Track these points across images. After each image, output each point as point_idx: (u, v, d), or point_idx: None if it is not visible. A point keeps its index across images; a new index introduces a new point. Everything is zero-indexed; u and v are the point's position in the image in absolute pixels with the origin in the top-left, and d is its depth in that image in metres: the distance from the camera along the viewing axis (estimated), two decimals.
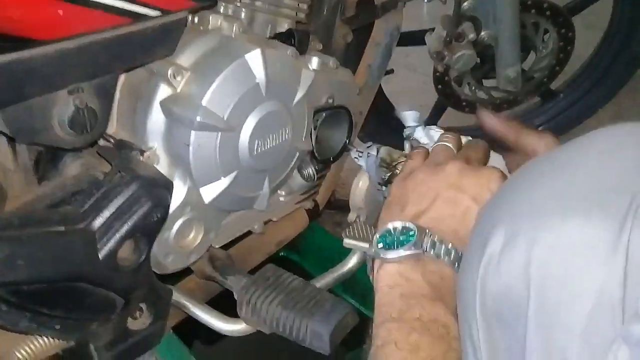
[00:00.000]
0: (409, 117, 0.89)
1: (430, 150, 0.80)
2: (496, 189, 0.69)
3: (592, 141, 0.55)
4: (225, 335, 0.97)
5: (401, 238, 0.67)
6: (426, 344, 0.60)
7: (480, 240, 0.54)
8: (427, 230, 0.67)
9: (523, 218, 0.52)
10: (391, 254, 0.66)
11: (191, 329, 1.12)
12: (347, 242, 0.91)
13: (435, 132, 0.88)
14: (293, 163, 0.97)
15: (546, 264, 0.49)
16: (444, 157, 0.76)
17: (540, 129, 1.34)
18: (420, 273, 0.65)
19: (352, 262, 1.02)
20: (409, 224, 0.68)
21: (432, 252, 0.65)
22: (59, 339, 0.76)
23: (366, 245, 0.83)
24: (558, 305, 0.47)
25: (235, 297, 0.90)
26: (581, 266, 0.47)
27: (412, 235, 0.66)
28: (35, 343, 0.76)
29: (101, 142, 0.81)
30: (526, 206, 0.53)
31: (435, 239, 0.66)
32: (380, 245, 0.67)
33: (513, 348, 0.51)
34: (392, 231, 0.68)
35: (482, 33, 1.36)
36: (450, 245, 0.66)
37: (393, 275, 0.66)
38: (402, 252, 0.65)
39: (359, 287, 1.28)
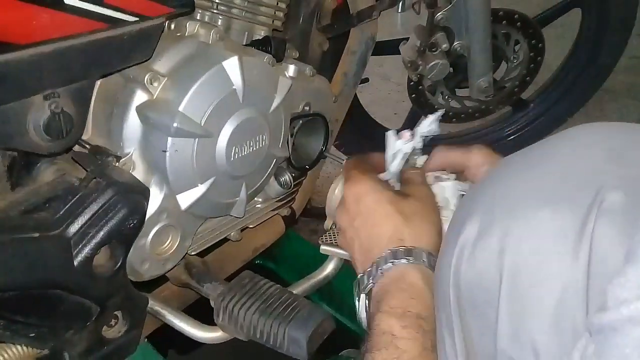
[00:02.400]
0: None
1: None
2: (354, 191, 0.77)
3: (565, 139, 0.58)
4: (200, 344, 0.96)
5: (355, 291, 0.74)
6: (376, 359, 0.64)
7: (455, 231, 0.57)
8: (360, 275, 0.74)
9: (497, 209, 0.55)
10: (359, 318, 0.73)
11: (166, 338, 1.11)
12: (324, 248, 0.91)
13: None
14: (270, 170, 0.97)
15: (518, 252, 0.52)
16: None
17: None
18: (372, 302, 0.70)
19: (329, 268, 1.02)
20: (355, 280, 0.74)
21: (365, 286, 0.71)
22: (33, 347, 0.75)
23: (343, 251, 0.84)
24: (528, 292, 0.51)
25: (212, 304, 0.90)
26: (550, 254, 0.50)
27: (355, 285, 0.74)
28: (9, 351, 0.74)
29: (76, 148, 0.80)
30: (500, 198, 0.56)
31: (361, 276, 0.73)
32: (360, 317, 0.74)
33: (485, 335, 0.53)
34: (356, 295, 0.75)
35: (455, 43, 1.39)
36: (372, 265, 0.72)
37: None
38: (359, 313, 0.73)
39: (335, 295, 1.28)
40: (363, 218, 0.75)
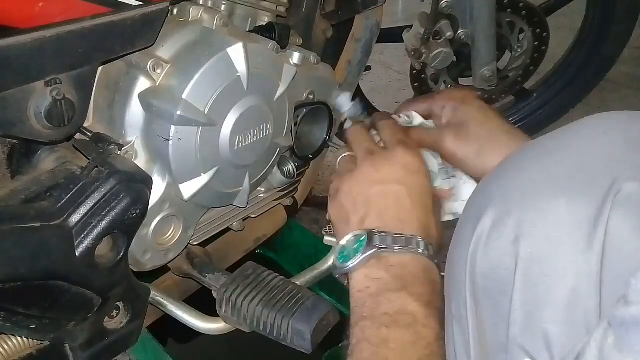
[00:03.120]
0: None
1: (337, 164, 0.86)
2: (410, 161, 0.76)
3: (581, 128, 0.58)
4: (199, 335, 0.96)
5: (355, 247, 0.72)
6: (395, 336, 0.64)
7: (472, 220, 0.57)
8: (374, 230, 0.72)
9: (513, 198, 0.55)
10: (350, 263, 0.71)
11: (166, 328, 1.10)
12: (328, 239, 0.91)
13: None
14: (273, 159, 0.95)
15: (532, 240, 0.52)
16: (349, 166, 0.81)
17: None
18: (384, 269, 0.69)
19: (332, 259, 1.01)
20: (357, 232, 0.73)
21: (385, 246, 0.70)
22: (33, 339, 0.74)
23: None
24: (542, 280, 0.50)
25: (214, 295, 0.88)
26: (564, 243, 0.50)
27: (363, 240, 0.71)
28: (9, 343, 0.73)
29: (77, 136, 0.78)
30: (516, 187, 0.56)
31: (384, 234, 0.71)
32: (340, 261, 0.72)
33: (499, 324, 0.54)
34: (345, 245, 0.73)
35: (459, 31, 1.37)
36: (397, 234, 0.71)
37: (361, 281, 0.71)
38: (358, 258, 0.70)
39: (336, 285, 1.27)
40: (407, 190, 0.74)
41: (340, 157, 0.85)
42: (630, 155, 0.52)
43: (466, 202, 0.65)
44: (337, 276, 0.75)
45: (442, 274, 0.72)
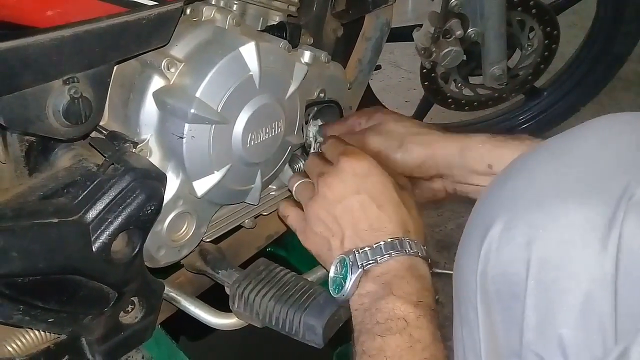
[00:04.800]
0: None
1: (294, 194, 0.89)
2: (357, 166, 0.77)
3: (591, 129, 0.57)
4: (212, 332, 0.96)
5: (343, 271, 0.74)
6: (389, 344, 0.65)
7: (482, 225, 0.56)
8: (353, 250, 0.73)
9: (523, 202, 0.54)
10: (344, 292, 0.73)
11: (179, 325, 1.11)
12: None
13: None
14: (285, 157, 0.96)
15: (545, 244, 0.51)
16: (308, 193, 0.83)
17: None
18: (372, 281, 0.71)
19: None
20: (339, 257, 0.75)
21: (368, 262, 0.71)
22: (51, 333, 0.75)
23: None
24: (555, 284, 0.49)
25: (227, 291, 0.90)
26: (578, 246, 0.49)
27: (347, 264, 0.73)
28: (27, 336, 0.75)
29: (93, 134, 0.80)
30: (526, 191, 0.55)
31: (363, 249, 0.72)
32: (336, 292, 0.75)
33: (511, 330, 0.52)
34: (335, 275, 0.75)
35: (469, 30, 1.38)
36: (375, 244, 0.72)
37: (356, 299, 0.73)
38: (349, 285, 0.72)
39: None
40: (368, 195, 0.75)
41: (296, 184, 0.88)
42: None
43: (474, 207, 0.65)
44: (340, 304, 0.78)
45: (438, 271, 0.75)
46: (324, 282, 1.05)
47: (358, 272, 0.71)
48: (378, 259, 0.71)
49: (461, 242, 0.62)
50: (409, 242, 0.72)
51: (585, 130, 0.57)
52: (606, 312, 0.46)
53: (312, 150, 1.00)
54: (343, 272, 0.73)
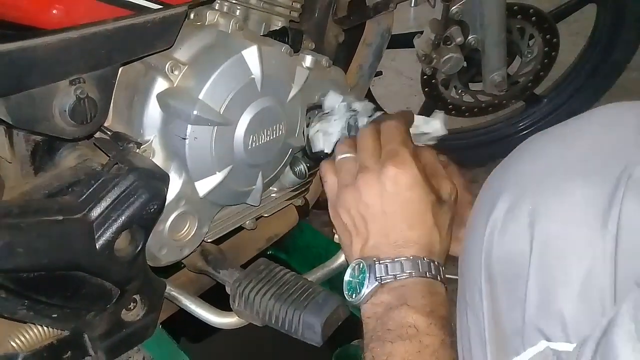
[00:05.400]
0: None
1: (336, 164, 0.82)
2: (401, 178, 0.73)
3: (594, 115, 0.58)
4: (213, 332, 0.97)
5: (360, 277, 0.72)
6: (398, 349, 0.64)
7: (486, 206, 0.57)
8: (374, 260, 0.71)
9: (527, 182, 0.55)
10: (357, 298, 0.72)
11: (179, 325, 1.12)
12: (338, 238, 0.92)
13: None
14: (286, 159, 0.98)
15: (547, 222, 0.52)
16: (348, 175, 0.79)
17: None
18: (387, 293, 0.70)
19: (342, 257, 1.03)
20: (358, 261, 0.73)
21: (386, 277, 0.70)
22: (54, 328, 0.77)
23: None
24: (558, 261, 0.50)
25: (228, 290, 0.91)
26: (579, 224, 0.50)
27: (365, 271, 0.71)
28: (30, 332, 0.76)
29: (97, 134, 0.81)
30: (530, 172, 0.56)
31: (384, 262, 0.71)
32: (349, 294, 0.73)
33: (514, 308, 0.53)
34: (350, 279, 0.73)
35: (470, 37, 1.39)
36: (397, 260, 0.70)
37: (369, 308, 0.71)
38: (363, 294, 0.70)
39: None
40: (402, 212, 0.72)
41: (340, 156, 0.82)
42: None
43: (481, 188, 0.64)
44: (349, 304, 0.77)
45: (452, 276, 0.72)
46: (324, 282, 1.06)
47: (375, 284, 0.70)
48: (397, 275, 0.70)
49: (468, 224, 0.63)
50: (430, 264, 0.70)
51: (590, 116, 0.59)
52: (606, 287, 0.48)
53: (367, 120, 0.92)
54: (360, 278, 0.72)
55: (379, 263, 0.71)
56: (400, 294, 0.69)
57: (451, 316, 0.68)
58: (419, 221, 0.73)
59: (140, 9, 0.68)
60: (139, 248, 0.78)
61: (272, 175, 0.97)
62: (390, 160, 0.74)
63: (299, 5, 1.00)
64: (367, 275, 0.71)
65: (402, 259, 0.70)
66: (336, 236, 0.93)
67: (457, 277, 0.68)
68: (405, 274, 0.69)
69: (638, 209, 0.48)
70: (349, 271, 0.74)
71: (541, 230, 0.52)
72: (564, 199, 0.52)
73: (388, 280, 0.70)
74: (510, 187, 0.56)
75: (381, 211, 0.73)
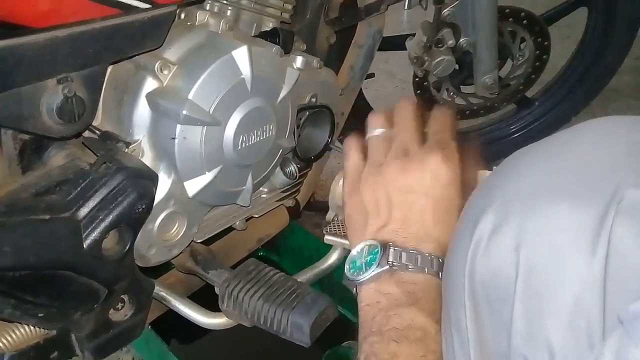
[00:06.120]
0: None
1: (367, 140, 0.77)
2: (444, 173, 0.70)
3: (583, 131, 0.56)
4: (202, 333, 0.97)
5: (368, 258, 0.68)
6: (404, 351, 0.62)
7: (469, 226, 0.55)
8: (390, 244, 0.68)
9: (513, 203, 0.53)
10: (361, 277, 0.68)
11: (168, 326, 1.12)
12: (328, 238, 0.92)
13: None
14: (276, 160, 0.98)
15: (534, 248, 0.50)
16: (380, 154, 0.75)
17: None
18: (395, 285, 0.67)
19: (332, 258, 1.03)
20: (371, 242, 0.69)
21: (398, 264, 0.67)
22: (41, 328, 0.76)
23: (346, 241, 0.85)
24: (544, 289, 0.48)
25: (217, 290, 0.91)
26: (567, 251, 0.48)
27: (377, 254, 0.68)
28: (17, 332, 0.76)
29: (86, 134, 0.81)
30: (516, 192, 0.53)
31: (399, 249, 0.67)
32: (352, 272, 0.69)
33: (499, 333, 0.51)
34: (357, 255, 0.70)
35: (461, 40, 1.40)
36: (413, 251, 0.67)
37: (371, 295, 0.68)
38: (369, 274, 0.67)
39: (336, 287, 1.29)
40: (433, 205, 0.70)
41: (375, 132, 0.77)
42: (632, 161, 0.50)
43: (464, 207, 0.62)
44: (345, 284, 0.72)
45: None
46: (314, 283, 1.06)
47: (385, 268, 0.67)
48: (410, 267, 0.67)
49: (450, 243, 0.61)
50: (442, 264, 0.67)
51: (578, 132, 0.57)
52: (594, 315, 0.46)
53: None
54: (368, 258, 0.68)
55: (394, 248, 0.67)
56: (411, 291, 0.66)
57: None
58: (445, 220, 0.70)
59: (129, 8, 0.68)
60: (127, 248, 0.77)
61: (262, 176, 0.97)
62: (439, 151, 0.71)
63: (290, 7, 1.00)
64: (379, 256, 0.67)
65: (419, 251, 0.68)
66: (326, 237, 0.92)
67: None
68: (418, 268, 0.67)
69: (628, 234, 0.46)
70: (356, 249, 0.70)
71: (527, 255, 0.50)
72: (550, 224, 0.50)
73: (398, 269, 0.67)
74: (494, 205, 0.54)
75: (411, 200, 0.70)
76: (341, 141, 1.29)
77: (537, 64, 1.58)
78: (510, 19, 1.51)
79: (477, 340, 0.55)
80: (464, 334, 0.56)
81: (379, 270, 0.67)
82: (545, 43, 1.55)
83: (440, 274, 0.67)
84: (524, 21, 1.52)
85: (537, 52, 1.56)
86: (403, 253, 0.67)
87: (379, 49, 1.26)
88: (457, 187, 0.71)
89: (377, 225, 0.71)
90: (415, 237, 0.69)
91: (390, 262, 0.67)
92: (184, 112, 0.78)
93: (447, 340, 0.59)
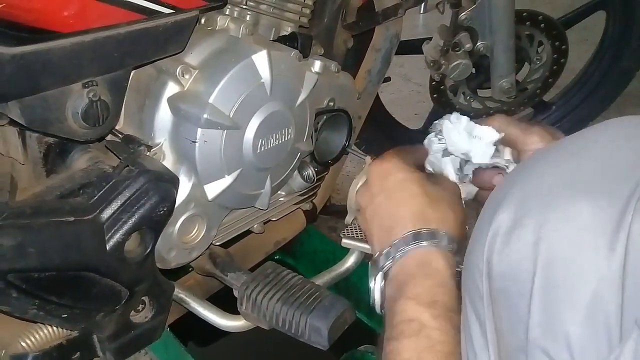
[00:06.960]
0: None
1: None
2: (378, 169, 0.74)
3: (603, 131, 0.56)
4: (220, 336, 0.98)
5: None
6: (405, 347, 0.63)
7: (489, 221, 0.56)
8: (376, 253, 0.71)
9: (532, 200, 0.54)
10: (375, 305, 0.70)
11: (187, 328, 1.13)
12: (346, 242, 0.92)
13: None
14: (294, 163, 0.99)
15: (554, 243, 0.50)
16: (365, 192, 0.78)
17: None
18: (389, 284, 0.69)
19: (349, 261, 1.04)
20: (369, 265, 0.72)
21: (383, 265, 0.69)
22: (64, 329, 0.77)
23: (364, 245, 0.85)
24: (563, 283, 0.49)
25: (235, 293, 0.91)
26: (587, 247, 0.49)
27: (370, 268, 0.70)
28: (40, 332, 0.77)
29: (109, 137, 0.82)
30: (536, 189, 0.54)
31: (381, 252, 0.70)
32: (371, 303, 0.71)
33: (517, 326, 0.52)
34: (370, 285, 0.72)
35: (478, 43, 1.39)
36: (393, 242, 0.69)
37: (382, 305, 0.70)
38: (373, 297, 0.69)
39: (353, 291, 1.29)
40: (386, 195, 0.73)
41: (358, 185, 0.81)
42: None
43: (485, 203, 0.62)
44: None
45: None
46: (331, 286, 1.07)
47: (379, 276, 0.69)
48: (390, 260, 0.69)
49: (472, 236, 0.61)
50: (423, 233, 0.69)
51: (599, 131, 0.57)
52: (612, 311, 0.47)
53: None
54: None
55: (381, 255, 0.70)
56: (399, 282, 0.67)
57: (457, 299, 0.65)
58: (404, 195, 0.72)
59: (153, 13, 0.69)
60: (149, 250, 0.78)
61: (280, 179, 0.98)
62: (372, 163, 0.77)
63: (308, 11, 1.01)
64: (369, 274, 0.70)
65: (395, 240, 0.69)
66: (344, 240, 0.93)
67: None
68: (399, 252, 0.68)
69: None
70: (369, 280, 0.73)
71: (546, 251, 0.51)
72: (570, 220, 0.51)
73: (387, 267, 0.69)
74: (514, 199, 0.55)
75: (372, 208, 0.74)
76: (358, 145, 1.30)
77: (555, 67, 1.58)
78: (528, 23, 1.50)
79: (495, 332, 0.56)
80: (483, 322, 0.57)
81: (376, 284, 0.69)
82: (563, 47, 1.55)
83: (421, 244, 0.68)
84: (542, 25, 1.51)
85: (555, 55, 1.56)
86: (384, 252, 0.70)
87: (396, 53, 1.26)
88: (400, 167, 0.74)
89: (373, 248, 0.74)
90: (387, 230, 0.71)
91: (381, 267, 0.69)
92: (205, 115, 0.79)
93: (466, 328, 0.60)
